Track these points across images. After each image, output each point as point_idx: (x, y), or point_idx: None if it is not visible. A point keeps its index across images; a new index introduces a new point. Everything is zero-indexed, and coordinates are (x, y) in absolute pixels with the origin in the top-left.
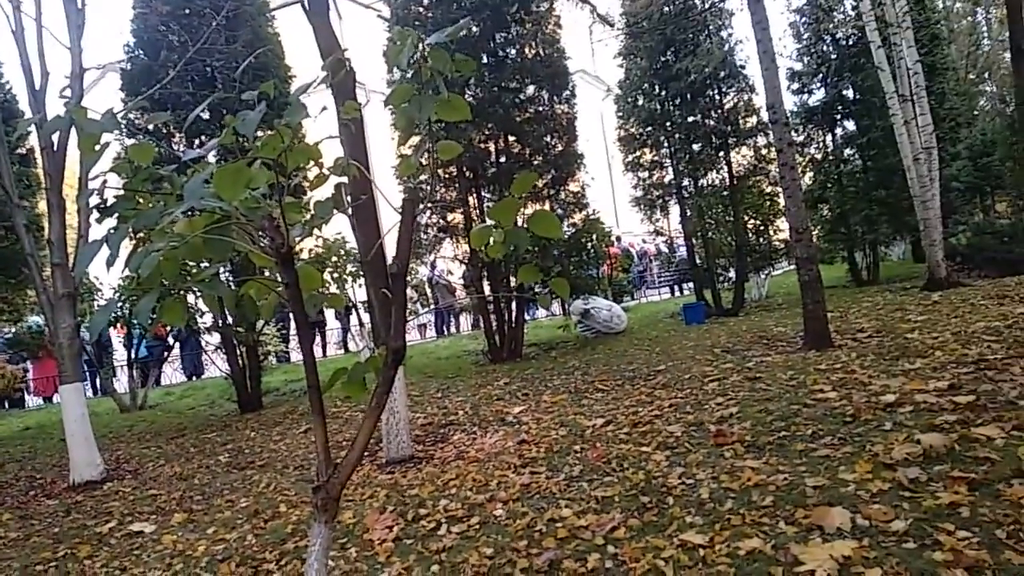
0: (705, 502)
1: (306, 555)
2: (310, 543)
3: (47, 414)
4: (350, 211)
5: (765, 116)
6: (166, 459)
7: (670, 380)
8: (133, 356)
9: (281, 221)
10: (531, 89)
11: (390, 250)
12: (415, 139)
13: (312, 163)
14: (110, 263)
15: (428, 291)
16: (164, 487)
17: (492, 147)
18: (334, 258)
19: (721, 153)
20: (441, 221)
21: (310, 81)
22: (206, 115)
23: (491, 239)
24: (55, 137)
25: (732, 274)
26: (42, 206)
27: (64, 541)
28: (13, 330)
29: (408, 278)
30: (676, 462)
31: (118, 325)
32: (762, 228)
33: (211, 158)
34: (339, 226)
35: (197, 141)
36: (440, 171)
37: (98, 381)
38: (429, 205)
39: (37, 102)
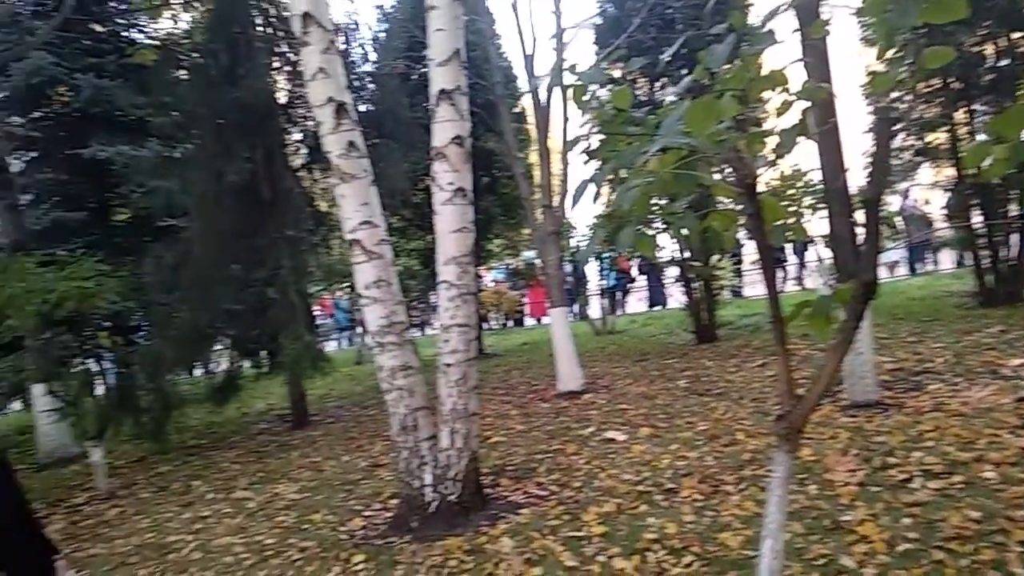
0: None
1: (764, 483)
2: (772, 471)
3: (539, 333)
4: (816, 137)
5: None
6: (632, 379)
7: None
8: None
9: (746, 152)
10: None
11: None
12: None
13: (777, 90)
14: (595, 199)
15: (899, 223)
16: (632, 403)
17: (990, 49)
18: (791, 191)
19: None
20: (918, 143)
21: (776, 6)
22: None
23: (990, 157)
24: (541, 94)
25: None
26: (532, 156)
27: (555, 438)
28: (514, 262)
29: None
30: None
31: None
32: None
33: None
34: (794, 157)
35: (658, 84)
36: (919, 85)
37: (575, 307)
38: (905, 125)
39: (529, 64)
